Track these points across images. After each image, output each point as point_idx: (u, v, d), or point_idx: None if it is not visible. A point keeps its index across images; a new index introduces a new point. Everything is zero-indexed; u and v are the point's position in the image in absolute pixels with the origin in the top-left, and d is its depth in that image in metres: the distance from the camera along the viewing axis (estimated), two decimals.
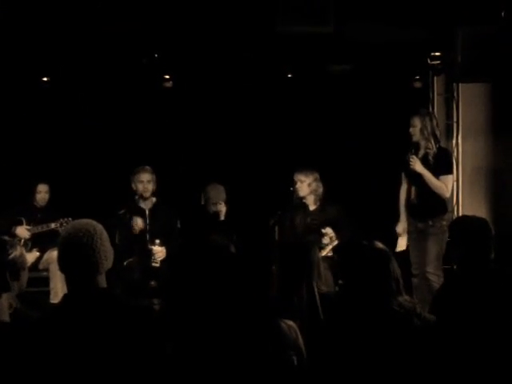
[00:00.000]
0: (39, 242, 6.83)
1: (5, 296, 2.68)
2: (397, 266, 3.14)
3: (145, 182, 6.46)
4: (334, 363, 2.87)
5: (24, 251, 2.95)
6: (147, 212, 6.49)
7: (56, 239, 6.55)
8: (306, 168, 6.53)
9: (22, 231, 6.75)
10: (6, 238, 3.00)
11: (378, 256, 3.12)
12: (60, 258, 2.79)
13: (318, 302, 3.76)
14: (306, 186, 6.47)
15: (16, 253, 2.75)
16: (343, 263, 3.18)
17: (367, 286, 3.01)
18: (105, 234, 2.82)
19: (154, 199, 6.54)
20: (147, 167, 6.54)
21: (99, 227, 2.82)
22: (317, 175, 6.51)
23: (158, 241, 6.21)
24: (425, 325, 2.92)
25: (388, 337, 2.83)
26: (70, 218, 6.61)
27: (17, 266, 2.75)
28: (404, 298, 3.04)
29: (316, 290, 3.79)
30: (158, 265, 6.17)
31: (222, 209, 6.86)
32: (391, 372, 2.77)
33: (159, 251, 6.17)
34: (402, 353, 2.77)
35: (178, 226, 6.59)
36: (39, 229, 6.82)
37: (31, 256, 6.65)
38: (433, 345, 2.80)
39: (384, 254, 3.14)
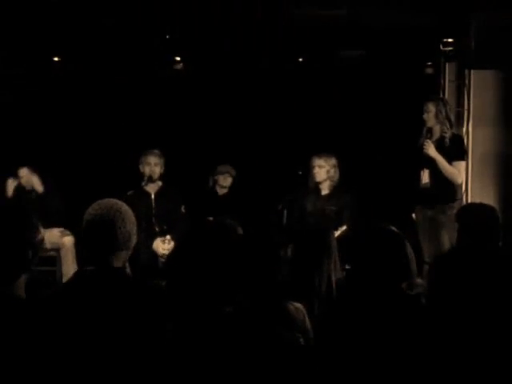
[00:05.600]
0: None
1: (23, 276, 2.70)
2: (411, 251, 3.09)
3: (152, 165, 6.50)
4: (340, 346, 2.86)
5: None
6: (153, 196, 6.53)
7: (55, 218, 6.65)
8: (324, 153, 6.47)
9: None
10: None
11: (392, 239, 3.05)
12: (83, 233, 2.81)
13: (334, 285, 3.78)
14: (325, 172, 6.42)
15: (40, 236, 2.76)
16: (355, 247, 3.08)
17: (380, 270, 2.95)
18: (129, 214, 2.83)
19: (160, 183, 6.58)
20: (156, 151, 6.58)
21: (125, 207, 2.84)
22: (335, 161, 6.46)
23: (168, 236, 6.25)
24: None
25: (397, 319, 2.81)
26: None
27: (37, 248, 2.76)
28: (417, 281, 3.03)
29: (333, 274, 3.81)
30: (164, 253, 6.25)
31: (226, 182, 6.96)
32: (399, 355, 2.76)
33: (166, 249, 6.23)
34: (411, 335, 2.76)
35: (183, 210, 6.60)
36: None
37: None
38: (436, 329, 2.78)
39: (399, 238, 3.07)
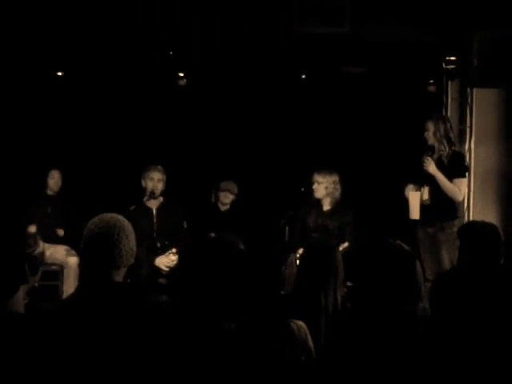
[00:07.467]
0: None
1: (22, 288, 2.71)
2: (421, 271, 2.94)
3: (155, 181, 6.47)
4: (345, 365, 2.83)
5: (45, 248, 2.98)
6: (154, 211, 6.51)
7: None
8: (325, 170, 6.49)
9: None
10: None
11: (403, 257, 2.91)
12: (84, 250, 2.81)
13: (340, 303, 3.78)
14: (323, 188, 6.44)
15: (40, 249, 2.78)
16: (361, 263, 2.91)
17: (386, 289, 2.82)
18: (130, 230, 2.84)
19: (161, 199, 6.56)
20: (159, 166, 6.57)
21: (126, 222, 2.84)
22: (336, 178, 6.48)
23: (174, 250, 6.24)
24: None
25: (401, 340, 2.73)
26: None
27: (37, 261, 2.78)
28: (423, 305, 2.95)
29: (338, 291, 3.81)
30: (167, 269, 6.22)
31: (227, 199, 7.00)
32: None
33: (173, 260, 6.19)
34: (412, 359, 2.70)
35: (185, 225, 6.59)
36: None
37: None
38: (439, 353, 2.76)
39: (408, 256, 2.94)
